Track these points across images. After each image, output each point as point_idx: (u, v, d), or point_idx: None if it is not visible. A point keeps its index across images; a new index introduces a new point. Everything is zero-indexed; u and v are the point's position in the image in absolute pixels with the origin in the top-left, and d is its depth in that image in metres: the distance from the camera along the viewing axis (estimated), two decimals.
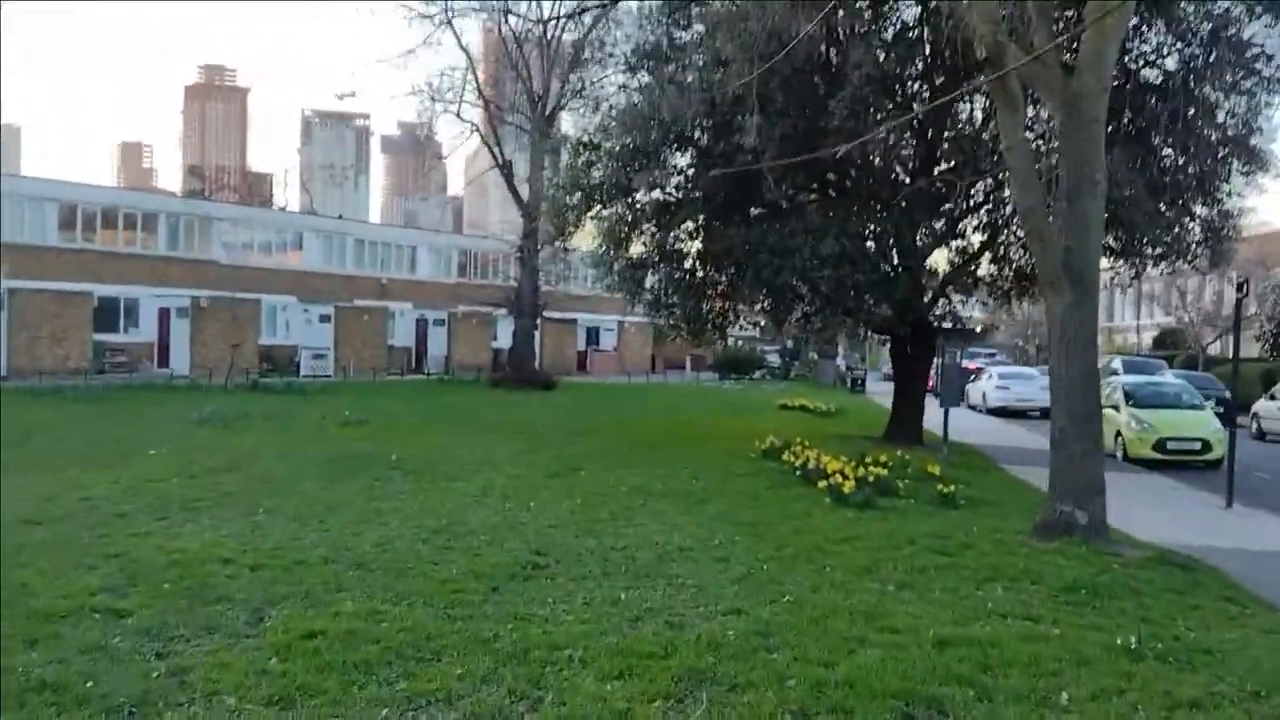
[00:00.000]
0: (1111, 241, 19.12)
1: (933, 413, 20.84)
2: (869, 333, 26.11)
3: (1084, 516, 9.39)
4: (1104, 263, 20.39)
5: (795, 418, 26.60)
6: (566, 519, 10.46)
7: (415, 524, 9.90)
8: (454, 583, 7.60)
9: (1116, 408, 21.31)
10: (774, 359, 55.21)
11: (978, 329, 22.01)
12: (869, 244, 17.59)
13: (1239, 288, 14.36)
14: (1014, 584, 7.99)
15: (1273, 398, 27.94)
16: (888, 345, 62.91)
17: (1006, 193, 18.92)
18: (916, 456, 16.29)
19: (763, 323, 23.59)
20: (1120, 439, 20.72)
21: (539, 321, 47.93)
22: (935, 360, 21.39)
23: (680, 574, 8.16)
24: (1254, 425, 27.93)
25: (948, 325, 20.09)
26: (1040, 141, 15.43)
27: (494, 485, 12.63)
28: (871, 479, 12.96)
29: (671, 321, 21.32)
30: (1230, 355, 47.90)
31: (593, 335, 55.57)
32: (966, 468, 16.98)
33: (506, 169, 37.84)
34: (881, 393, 44.39)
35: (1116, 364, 42.90)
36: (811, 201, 17.27)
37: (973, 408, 35.26)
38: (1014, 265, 20.40)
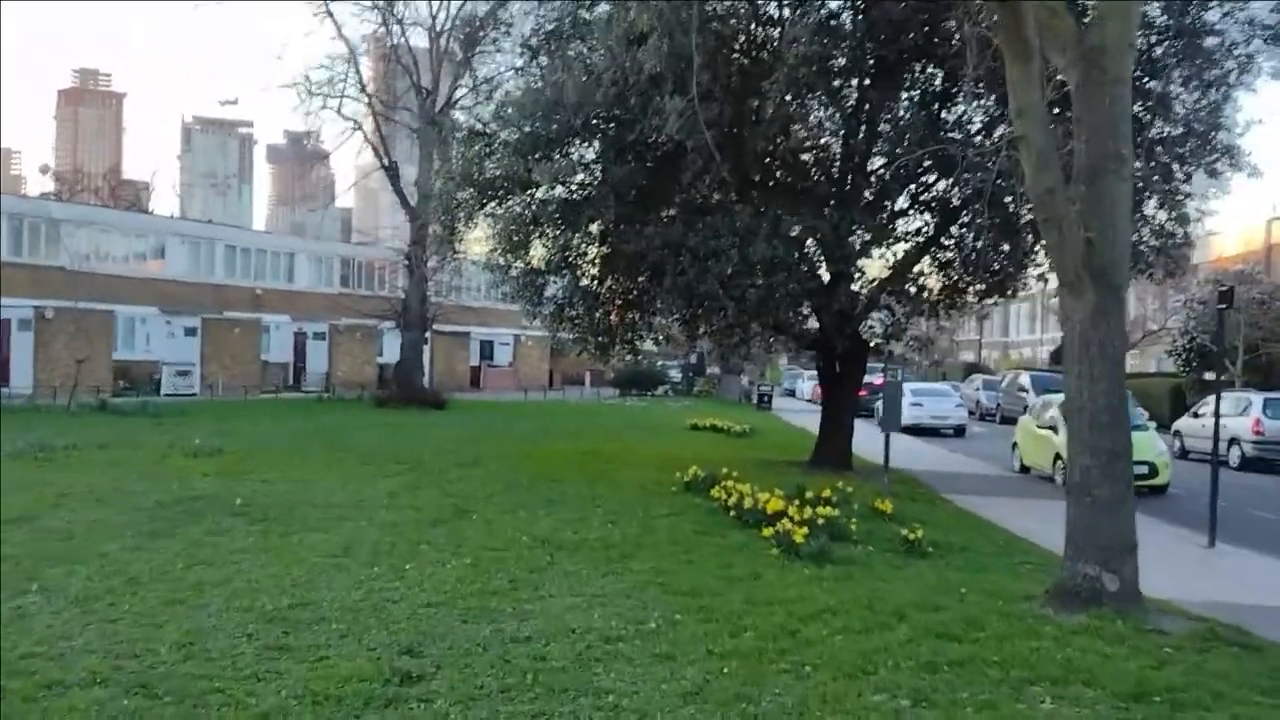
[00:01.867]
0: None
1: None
2: (778, 347, 24.14)
3: (1114, 581, 7.42)
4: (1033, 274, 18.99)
5: (709, 440, 24.52)
6: (452, 590, 8.02)
7: (245, 606, 7.35)
8: None
9: (1054, 429, 19.79)
10: (676, 374, 53.30)
11: (914, 344, 20.28)
12: (805, 248, 15.56)
13: (1222, 297, 12.77)
14: (1062, 688, 5.91)
15: (1196, 415, 27.00)
16: (785, 360, 61.63)
17: (943, 185, 17.24)
18: (857, 487, 14.32)
19: (675, 335, 21.44)
20: (1059, 463, 19.18)
21: (428, 335, 45.05)
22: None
23: (611, 686, 5.84)
24: (1176, 444, 26.97)
25: (880, 340, 18.27)
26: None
27: (362, 539, 10.10)
28: (820, 521, 10.88)
29: (576, 335, 19.01)
30: (1149, 371, 48.14)
31: (487, 350, 52.80)
32: (910, 499, 15.08)
33: (393, 169, 35.03)
34: (789, 410, 42.87)
35: (1025, 380, 42.19)
36: (738, 200, 15.24)
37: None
38: (954, 271, 18.68)
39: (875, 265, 17.98)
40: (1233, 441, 24.93)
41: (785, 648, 6.59)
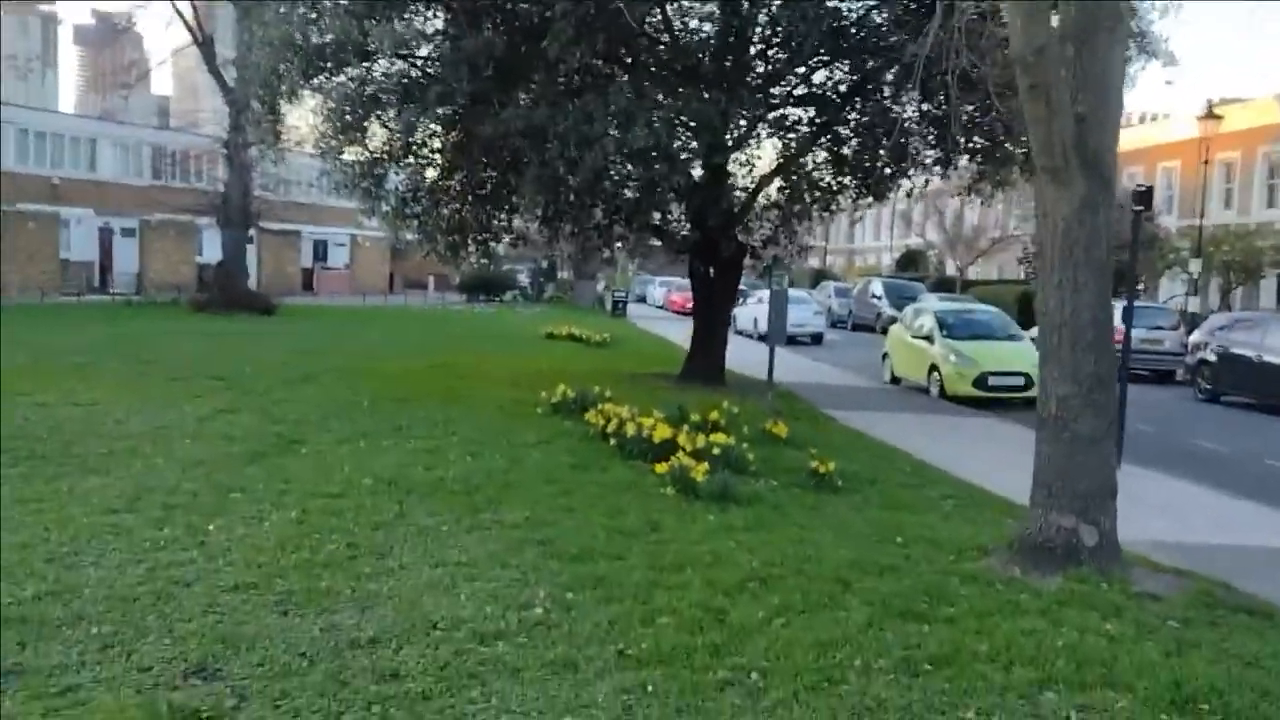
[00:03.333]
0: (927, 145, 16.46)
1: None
2: (646, 250, 22.55)
3: (1092, 534, 6.17)
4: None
5: (567, 350, 22.80)
6: (269, 563, 6.12)
7: None
8: None
9: (930, 339, 18.98)
10: (525, 279, 51.14)
11: (793, 249, 18.94)
12: (689, 136, 13.74)
13: (1138, 199, 11.75)
14: (1083, 694, 4.57)
15: None
16: (634, 265, 60.08)
17: (831, 75, 15.73)
18: (740, 407, 12.94)
19: (532, 237, 19.44)
20: (935, 374, 18.40)
21: (253, 234, 41.45)
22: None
23: (495, 712, 4.16)
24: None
25: (761, 244, 16.78)
26: None
27: (155, 484, 8.00)
28: (716, 451, 9.39)
29: (421, 234, 16.81)
30: (996, 278, 48.68)
31: (320, 250, 49.23)
32: (794, 418, 13.82)
33: (207, 45, 31.17)
34: (643, 317, 41.49)
35: (877, 287, 41.98)
36: (614, 75, 13.28)
37: (741, 333, 32.84)
38: (827, 170, 17.32)
39: (762, 162, 16.43)
40: None
41: (717, 642, 5.02)
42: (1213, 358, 20.60)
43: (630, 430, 10.04)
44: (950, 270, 50.97)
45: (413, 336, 24.67)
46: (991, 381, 17.76)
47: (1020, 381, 17.92)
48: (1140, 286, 35.46)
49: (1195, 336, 21.85)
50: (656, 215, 15.22)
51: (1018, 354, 18.51)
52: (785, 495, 8.68)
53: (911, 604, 5.63)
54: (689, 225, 14.69)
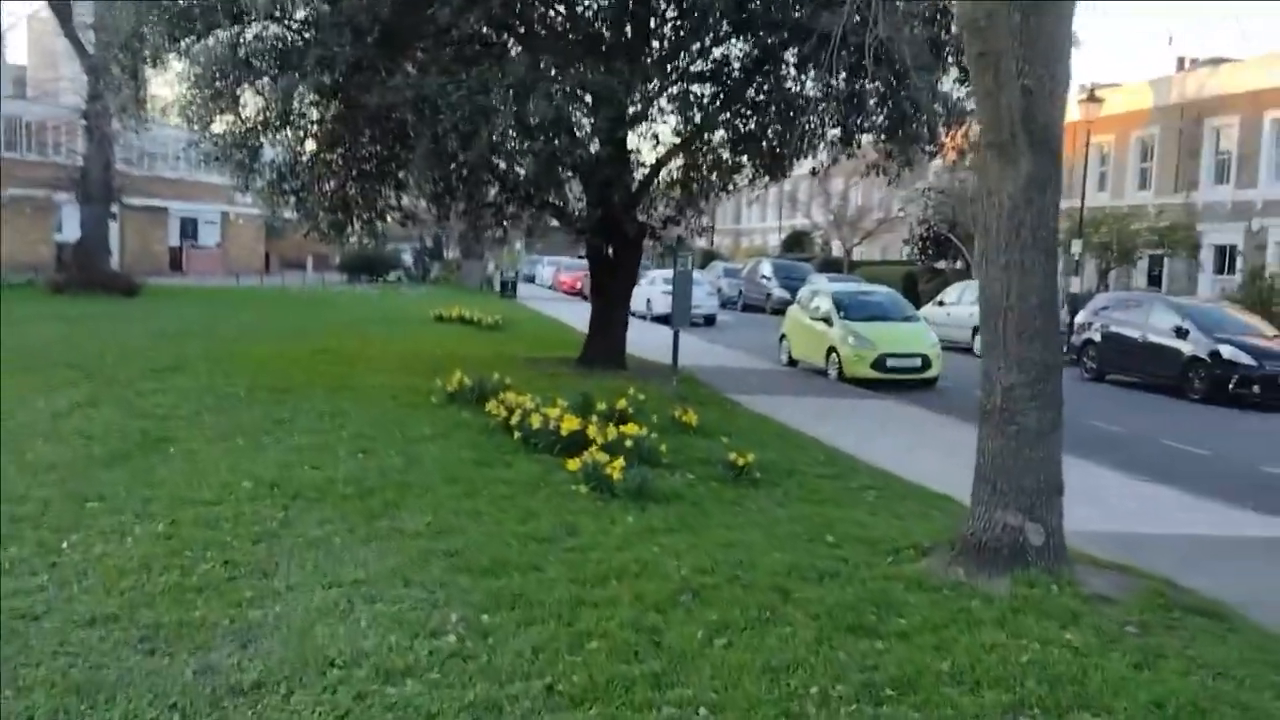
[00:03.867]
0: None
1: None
2: (544, 229, 21.87)
3: (1039, 533, 5.82)
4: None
5: (458, 333, 21.92)
6: (133, 589, 5.31)
7: None
8: None
9: (828, 320, 18.80)
10: (409, 258, 49.63)
11: (695, 228, 18.43)
12: (589, 109, 13.05)
13: None
14: (1061, 718, 4.17)
15: (941, 304, 27.23)
16: (520, 244, 58.96)
17: (740, 49, 15.27)
18: (647, 393, 12.44)
19: (420, 215, 18.51)
20: (834, 357, 18.23)
21: (115, 210, 39.10)
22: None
23: None
24: None
25: (661, 224, 16.24)
26: None
27: (3, 490, 7.03)
28: (628, 443, 8.84)
29: (301, 211, 15.73)
30: (879, 259, 49.26)
31: (189, 228, 46.75)
32: (700, 403, 13.38)
33: (63, 6, 28.96)
34: (534, 298, 40.66)
35: (766, 268, 42.01)
36: (508, 45, 12.49)
37: (633, 314, 32.35)
38: (726, 149, 16.88)
39: (663, 138, 15.85)
40: (976, 329, 25.24)
41: (657, 671, 4.48)
42: (1098, 338, 21.02)
43: (535, 422, 9.41)
44: (836, 251, 51.49)
45: (292, 319, 23.41)
46: (890, 363, 17.68)
47: (918, 363, 17.93)
48: None
49: (1081, 317, 22.28)
50: (555, 193, 14.54)
51: (915, 335, 18.51)
52: (704, 490, 8.19)
53: (859, 616, 5.19)
54: (589, 203, 14.04)
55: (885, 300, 20.00)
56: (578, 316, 29.27)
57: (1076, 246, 26.55)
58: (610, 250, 16.08)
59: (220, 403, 11.24)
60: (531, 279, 54.61)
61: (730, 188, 18.38)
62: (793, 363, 20.21)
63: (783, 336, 20.90)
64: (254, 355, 15.67)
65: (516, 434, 9.57)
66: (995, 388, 5.90)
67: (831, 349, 18.38)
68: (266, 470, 8.02)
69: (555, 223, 17.07)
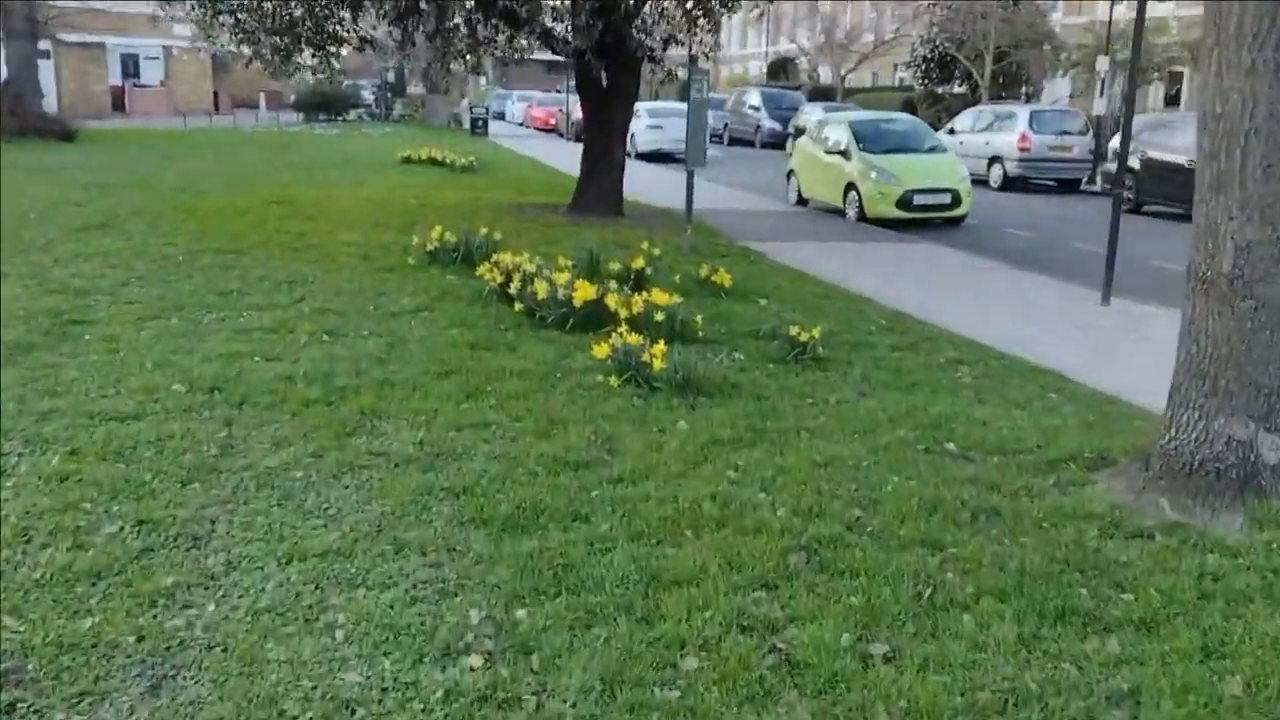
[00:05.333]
0: None
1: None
2: (521, 55, 19.41)
3: (1276, 448, 4.19)
4: None
5: (430, 177, 19.73)
6: (5, 569, 3.63)
7: None
8: None
9: (845, 154, 16.80)
10: (370, 95, 46.35)
11: (706, 50, 16.05)
12: None
13: None
14: None
15: (952, 131, 25.11)
16: (493, 77, 55.22)
17: None
18: (659, 245, 10.66)
19: (379, 41, 16.08)
20: (853, 194, 16.33)
21: (49, 47, 35.84)
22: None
23: None
24: None
25: (661, 43, 13.97)
26: None
27: None
28: (660, 317, 7.11)
29: (242, 37, 13.39)
30: (864, 85, 46.40)
31: (130, 65, 43.13)
32: (718, 255, 11.64)
33: None
34: (505, 136, 38.01)
35: (754, 98, 39.26)
36: None
37: None
38: None
39: None
40: (994, 160, 23.33)
41: None
42: (1136, 165, 19.16)
43: (540, 290, 7.61)
44: (824, 78, 48.57)
45: (243, 164, 21.07)
46: (916, 200, 15.82)
47: (947, 199, 16.08)
48: (1025, 89, 34.03)
49: (1115, 141, 20.32)
50: (539, 8, 12.29)
51: (944, 168, 16.58)
52: (763, 376, 6.51)
53: (1062, 592, 3.58)
54: (586, 21, 11.82)
55: (909, 129, 17.94)
56: (557, 155, 27.04)
57: (1103, 64, 24.35)
58: (604, 79, 13.88)
59: (155, 270, 9.34)
60: (501, 115, 51.50)
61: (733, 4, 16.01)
62: (803, 202, 18.32)
63: (790, 172, 18.90)
64: (199, 208, 13.59)
65: (517, 305, 7.78)
66: (1224, 246, 4.14)
67: (850, 186, 16.46)
68: (206, 365, 6.24)
69: (536, 47, 14.76)
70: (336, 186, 17.15)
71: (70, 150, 23.89)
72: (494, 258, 8.62)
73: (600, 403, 5.79)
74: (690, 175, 11.76)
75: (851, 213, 16.34)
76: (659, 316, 7.11)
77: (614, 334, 6.41)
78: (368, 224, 12.56)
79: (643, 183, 18.51)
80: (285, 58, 13.06)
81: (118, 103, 41.73)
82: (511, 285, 7.93)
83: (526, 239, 11.53)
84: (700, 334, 7.33)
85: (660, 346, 6.07)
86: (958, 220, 16.31)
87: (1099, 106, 25.16)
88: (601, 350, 6.17)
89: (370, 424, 5.32)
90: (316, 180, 18.10)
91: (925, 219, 15.87)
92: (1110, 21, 24.85)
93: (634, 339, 6.21)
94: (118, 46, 41.81)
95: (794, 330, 6.92)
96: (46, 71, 38.43)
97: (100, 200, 14.19)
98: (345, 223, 12.63)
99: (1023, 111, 23.69)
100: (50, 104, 35.18)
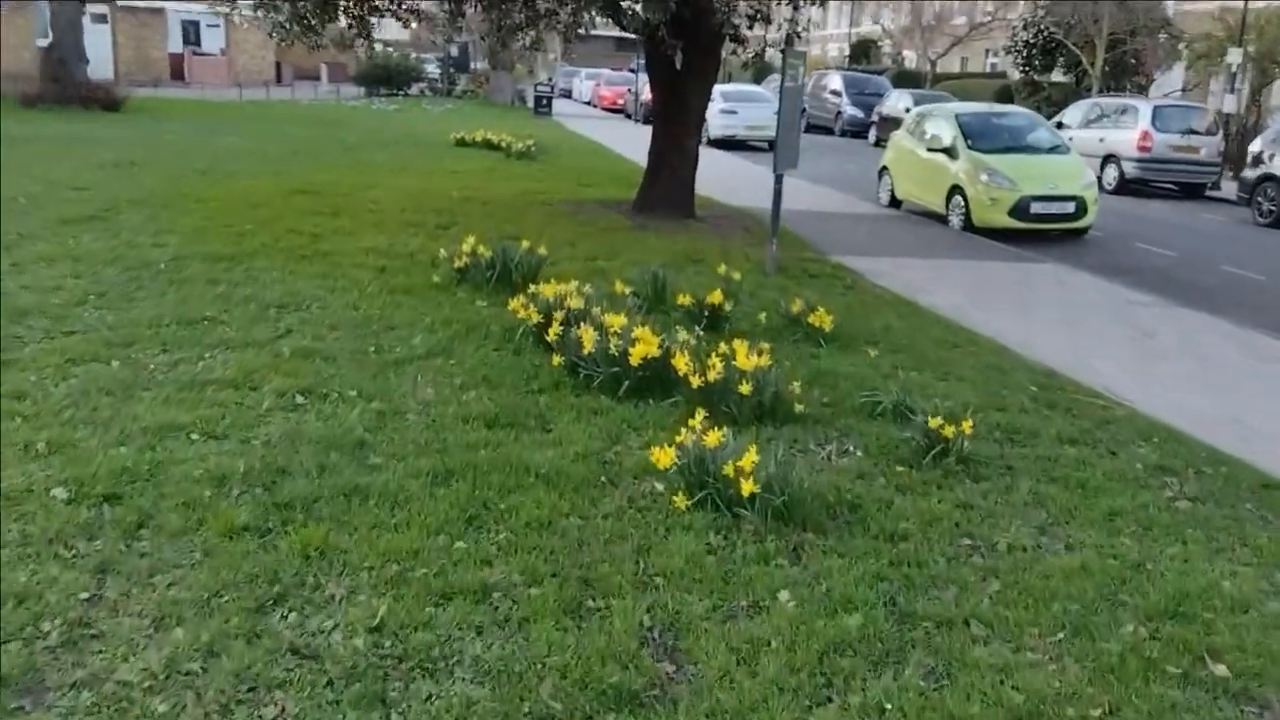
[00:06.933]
0: None
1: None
2: (579, 34, 17.52)
3: None
4: None
5: (482, 163, 17.93)
6: None
7: None
8: None
9: (950, 152, 14.66)
10: (434, 70, 44.78)
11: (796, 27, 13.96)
12: None
13: None
14: None
15: (1060, 125, 22.68)
16: (554, 56, 53.30)
17: None
18: (736, 263, 8.79)
19: (430, 14, 14.29)
20: (959, 199, 14.21)
21: (106, 12, 34.86)
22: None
23: None
24: None
25: (747, 19, 11.97)
26: None
27: None
28: (746, 389, 5.21)
29: (266, 5, 11.67)
30: (953, 71, 43.67)
31: (191, 33, 42.01)
32: (807, 274, 9.71)
33: None
34: (572, 115, 36.18)
35: (835, 82, 36.86)
36: None
37: None
38: None
39: None
40: (1108, 159, 20.91)
41: None
42: None
43: (588, 340, 5.74)
44: (909, 63, 45.92)
45: (287, 142, 19.49)
46: (1034, 209, 13.65)
47: (1070, 208, 13.89)
48: (1139, 79, 31.22)
49: (1256, 145, 17.89)
50: None
51: (1067, 171, 14.35)
52: (892, 491, 4.59)
53: None
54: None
55: (1025, 124, 15.71)
56: (624, 140, 25.12)
57: (1235, 56, 21.73)
58: (678, 61, 11.92)
59: (124, 282, 7.66)
60: (568, 94, 49.67)
61: None
62: (895, 203, 16.22)
63: (883, 169, 16.77)
64: (212, 197, 11.94)
65: (557, 357, 5.93)
66: None
67: (955, 189, 14.33)
68: (117, 451, 4.49)
69: (603, 22, 12.85)
70: (376, 172, 15.43)
71: (110, 121, 22.56)
72: (532, 288, 6.74)
73: (660, 542, 3.92)
74: (779, 180, 9.77)
75: (956, 220, 14.22)
76: (745, 388, 5.22)
77: (683, 418, 4.53)
78: (397, 223, 10.80)
79: (715, 175, 16.56)
80: (306, 27, 11.30)
81: (177, 71, 40.70)
82: (551, 329, 6.07)
83: (580, 250, 9.68)
84: (798, 408, 5.42)
85: (750, 455, 4.16)
86: (1080, 232, 14.13)
87: (1228, 104, 22.53)
88: (665, 458, 4.28)
89: (311, 582, 3.51)
90: (357, 164, 16.41)
91: (1042, 229, 13.72)
92: (1246, 8, 22.19)
93: (712, 437, 4.32)
94: (178, 11, 40.68)
95: (933, 419, 4.96)
96: (103, 37, 37.48)
97: (109, 184, 12.63)
98: (372, 221, 10.87)
99: (1144, 106, 21.22)
100: (106, 71, 34.20)
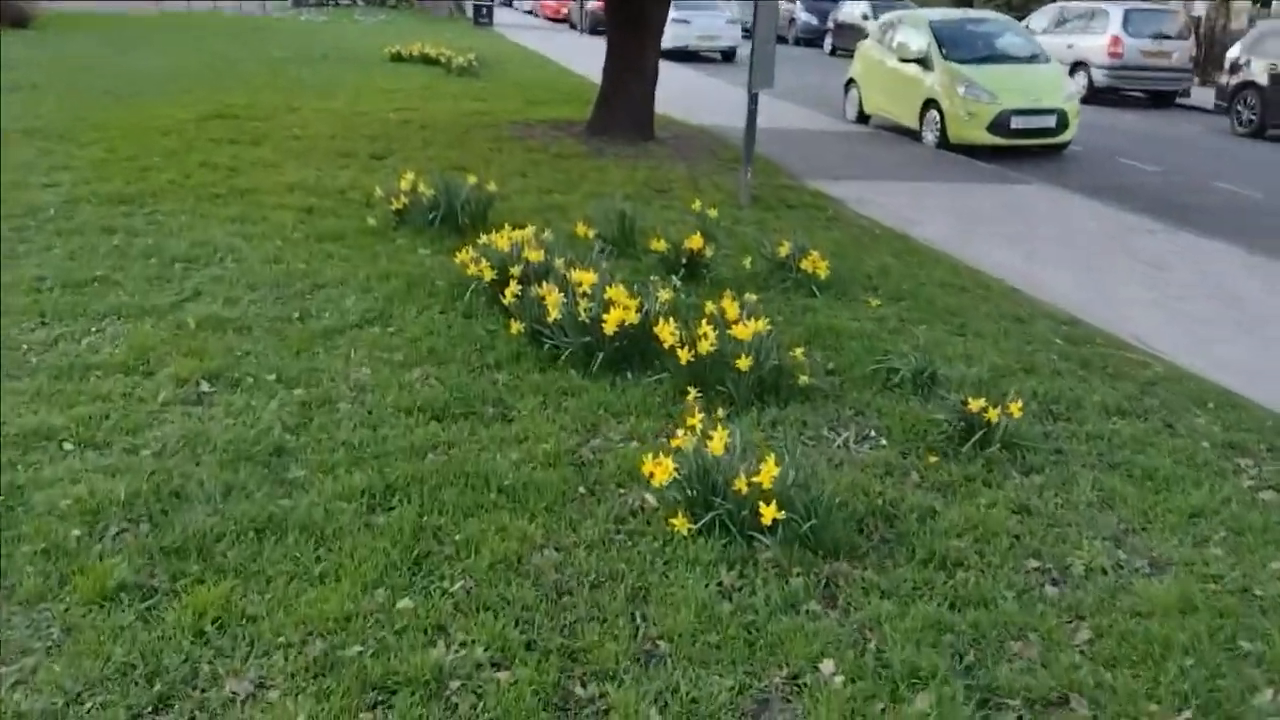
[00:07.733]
0: None
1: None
2: None
3: None
4: None
5: (420, 80, 16.56)
6: None
7: None
8: None
9: (924, 62, 13.67)
10: None
11: None
12: None
13: None
14: None
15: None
16: None
17: None
18: (708, 194, 7.87)
19: None
20: (934, 113, 13.29)
21: None
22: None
23: None
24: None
25: None
26: None
27: None
28: (745, 362, 4.35)
29: None
30: None
31: None
32: (785, 204, 8.79)
33: None
34: (514, 26, 34.35)
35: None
36: None
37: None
38: None
39: None
40: (1077, 66, 20.03)
41: None
42: (1263, 80, 15.98)
43: (553, 305, 4.81)
44: None
45: (205, 58, 17.91)
46: (1015, 123, 12.78)
47: (1051, 122, 13.03)
48: None
49: (1235, 51, 17.09)
50: None
51: (1048, 83, 13.46)
52: (929, 494, 3.78)
53: None
54: None
55: (1003, 32, 14.72)
56: (571, 51, 23.71)
57: None
58: None
59: (8, 234, 6.54)
60: (509, 3, 47.49)
61: None
62: (863, 118, 15.25)
63: (850, 82, 15.74)
64: (115, 125, 10.64)
65: (516, 324, 4.99)
66: None
67: (930, 103, 13.38)
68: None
69: None
70: (302, 91, 14.09)
71: (16, 41, 20.68)
72: (482, 236, 5.76)
73: (661, 582, 3.09)
74: (753, 100, 8.75)
75: (930, 136, 13.31)
76: (743, 363, 4.36)
77: (669, 398, 3.67)
78: (326, 153, 9.65)
79: (671, 91, 15.41)
80: None
81: None
82: (508, 291, 5.13)
83: (533, 182, 8.66)
84: (802, 380, 4.58)
85: (770, 467, 3.30)
86: (1061, 147, 13.33)
87: (1197, 6, 21.68)
88: (661, 471, 3.40)
89: (206, 674, 2.63)
90: (282, 83, 15.01)
91: (1022, 145, 12.89)
92: None
93: (716, 445, 3.46)
94: None
95: (973, 401, 4.14)
96: None
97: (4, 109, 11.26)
98: (297, 151, 9.70)
99: (1114, 9, 20.25)
100: None
